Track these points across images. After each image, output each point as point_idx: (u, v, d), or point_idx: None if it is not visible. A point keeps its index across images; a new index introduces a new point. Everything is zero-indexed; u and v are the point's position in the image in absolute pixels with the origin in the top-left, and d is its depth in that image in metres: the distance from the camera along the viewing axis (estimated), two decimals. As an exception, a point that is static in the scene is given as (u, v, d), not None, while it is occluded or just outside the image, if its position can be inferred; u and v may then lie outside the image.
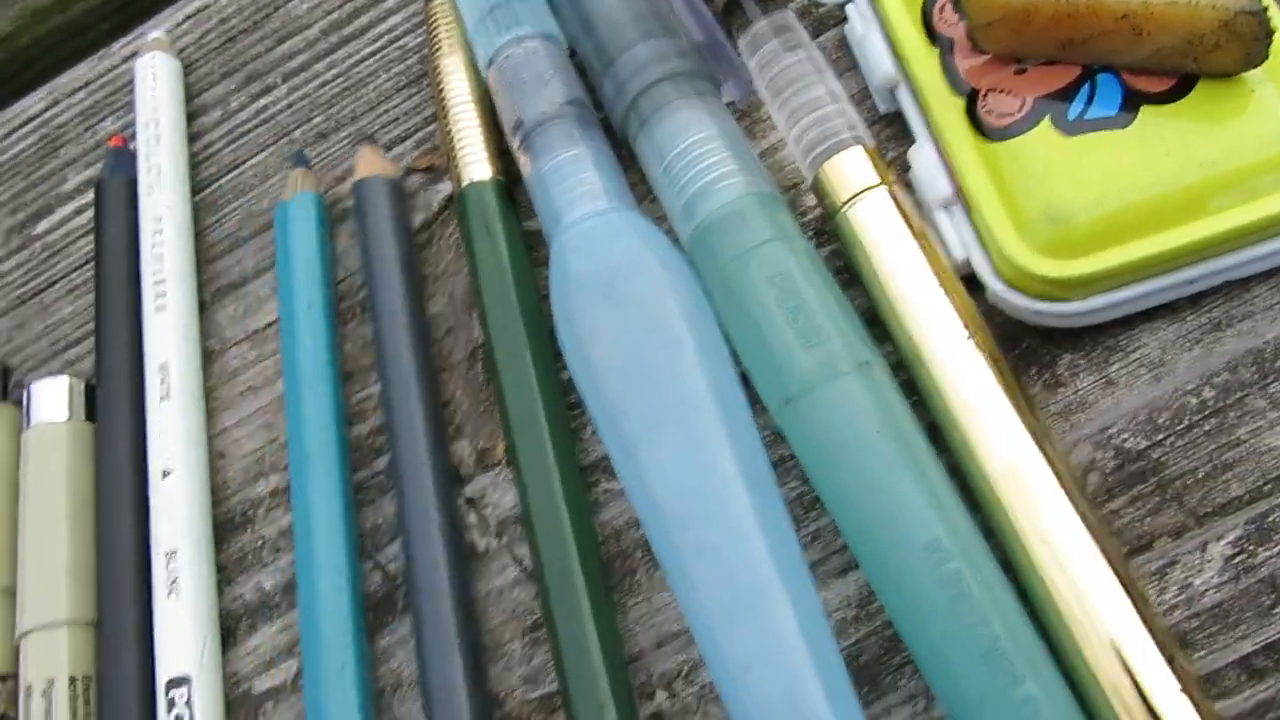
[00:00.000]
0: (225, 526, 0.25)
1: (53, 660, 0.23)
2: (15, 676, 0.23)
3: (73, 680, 0.22)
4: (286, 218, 0.25)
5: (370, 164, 0.25)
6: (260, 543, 0.24)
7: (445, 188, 0.27)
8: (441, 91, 0.26)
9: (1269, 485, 0.19)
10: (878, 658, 0.20)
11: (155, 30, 0.31)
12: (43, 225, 0.30)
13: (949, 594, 0.18)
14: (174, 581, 0.23)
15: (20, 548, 0.24)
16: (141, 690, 0.22)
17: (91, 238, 0.30)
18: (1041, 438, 0.19)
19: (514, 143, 0.25)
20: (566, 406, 0.23)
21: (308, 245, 0.25)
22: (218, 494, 0.25)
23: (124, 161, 0.29)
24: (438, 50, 0.27)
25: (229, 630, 0.23)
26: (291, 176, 0.26)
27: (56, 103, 0.32)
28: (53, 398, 0.25)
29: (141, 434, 0.25)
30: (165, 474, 0.24)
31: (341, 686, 0.21)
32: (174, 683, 0.22)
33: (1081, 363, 0.21)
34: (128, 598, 0.23)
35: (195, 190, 0.29)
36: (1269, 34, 0.19)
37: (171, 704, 0.21)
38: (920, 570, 0.18)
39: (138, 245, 0.27)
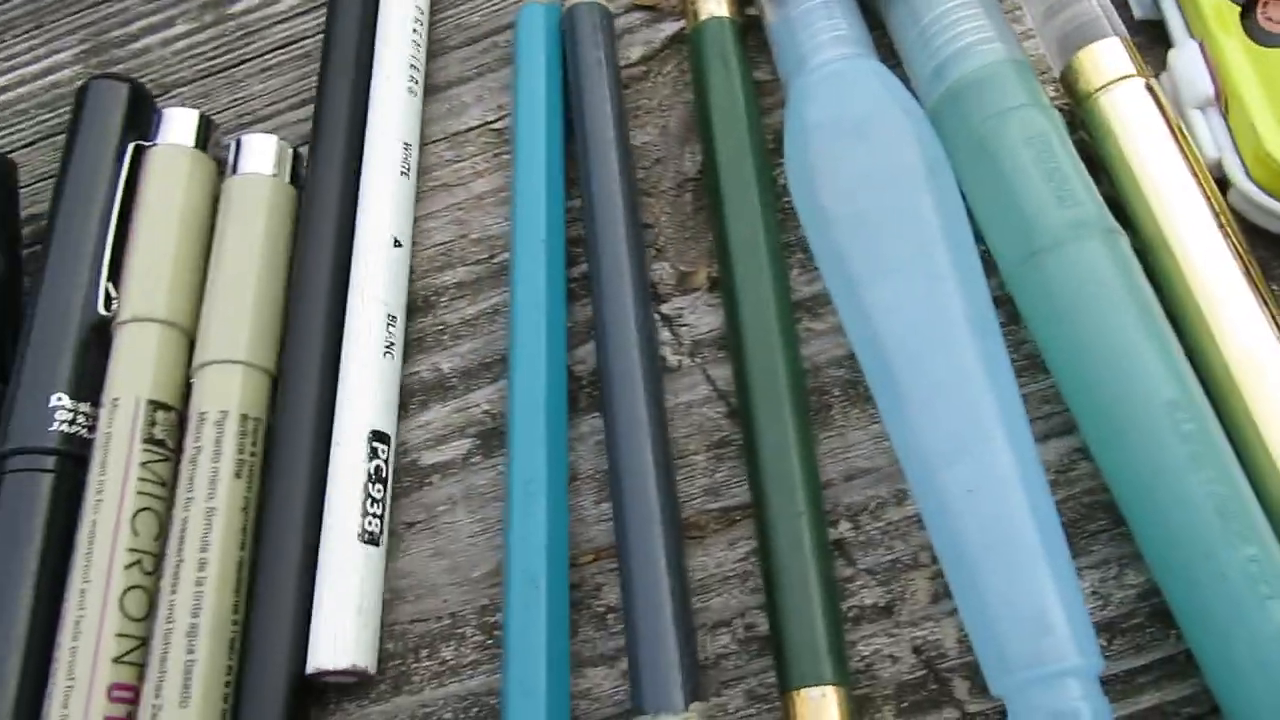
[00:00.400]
0: (407, 308, 0.25)
1: (228, 393, 0.22)
2: (179, 411, 0.23)
3: (244, 417, 0.22)
4: (532, 19, 0.26)
5: None
6: (441, 328, 0.24)
7: (669, 27, 0.27)
8: (686, -69, 0.26)
9: None
10: (1074, 522, 0.20)
11: None
12: (239, 5, 0.30)
13: (1189, 450, 0.18)
14: (390, 345, 0.23)
15: (209, 288, 0.24)
16: (315, 437, 0.22)
17: (288, 26, 0.30)
18: (1284, 330, 0.19)
19: (762, -13, 0.25)
20: (781, 243, 0.23)
21: (546, 50, 0.25)
22: (402, 277, 0.25)
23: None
24: (684, -106, 0.27)
25: (400, 404, 0.23)
26: None
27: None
28: (262, 152, 0.25)
29: (349, 204, 0.25)
30: (397, 243, 0.24)
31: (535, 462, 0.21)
32: (378, 435, 0.22)
33: (1312, 279, 0.21)
34: (316, 350, 0.23)
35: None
36: None
37: (373, 454, 0.21)
38: (1161, 426, 0.18)
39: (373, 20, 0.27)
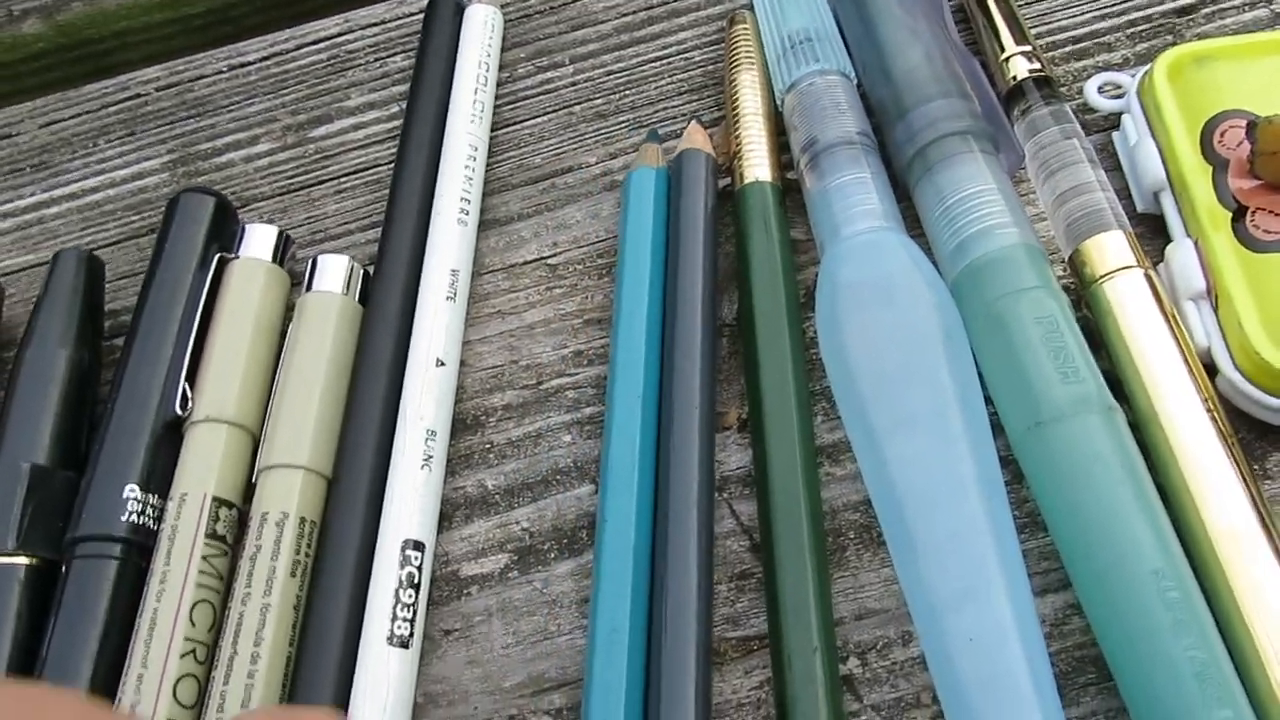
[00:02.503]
0: (456, 425, 0.27)
1: (289, 496, 0.24)
2: (240, 509, 0.25)
3: (302, 520, 0.24)
4: (638, 185, 0.28)
5: (695, 139, 0.28)
6: (488, 446, 0.26)
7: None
8: (735, 99, 0.29)
9: None
10: (1065, 674, 0.22)
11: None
12: (320, 130, 0.33)
13: (1171, 617, 0.19)
14: (429, 458, 0.24)
15: (277, 394, 0.26)
16: (362, 542, 0.24)
17: (364, 153, 0.32)
18: (1264, 510, 0.21)
19: (801, 159, 0.27)
20: (808, 391, 0.25)
21: (654, 212, 0.27)
22: (455, 395, 0.27)
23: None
24: (736, 66, 0.30)
25: (445, 515, 0.25)
26: (650, 149, 0.29)
27: (351, 31, 0.35)
28: (335, 271, 0.27)
29: (407, 324, 0.27)
30: (440, 363, 0.26)
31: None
32: (412, 544, 0.23)
33: (1291, 463, 0.23)
34: (368, 459, 0.25)
35: (476, 133, 0.32)
36: None
37: (406, 560, 0.23)
38: (1146, 593, 0.20)
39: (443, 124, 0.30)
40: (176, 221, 0.29)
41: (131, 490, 0.24)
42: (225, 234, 0.29)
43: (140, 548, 0.24)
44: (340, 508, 0.24)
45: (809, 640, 0.21)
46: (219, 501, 0.24)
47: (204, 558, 0.24)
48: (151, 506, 0.25)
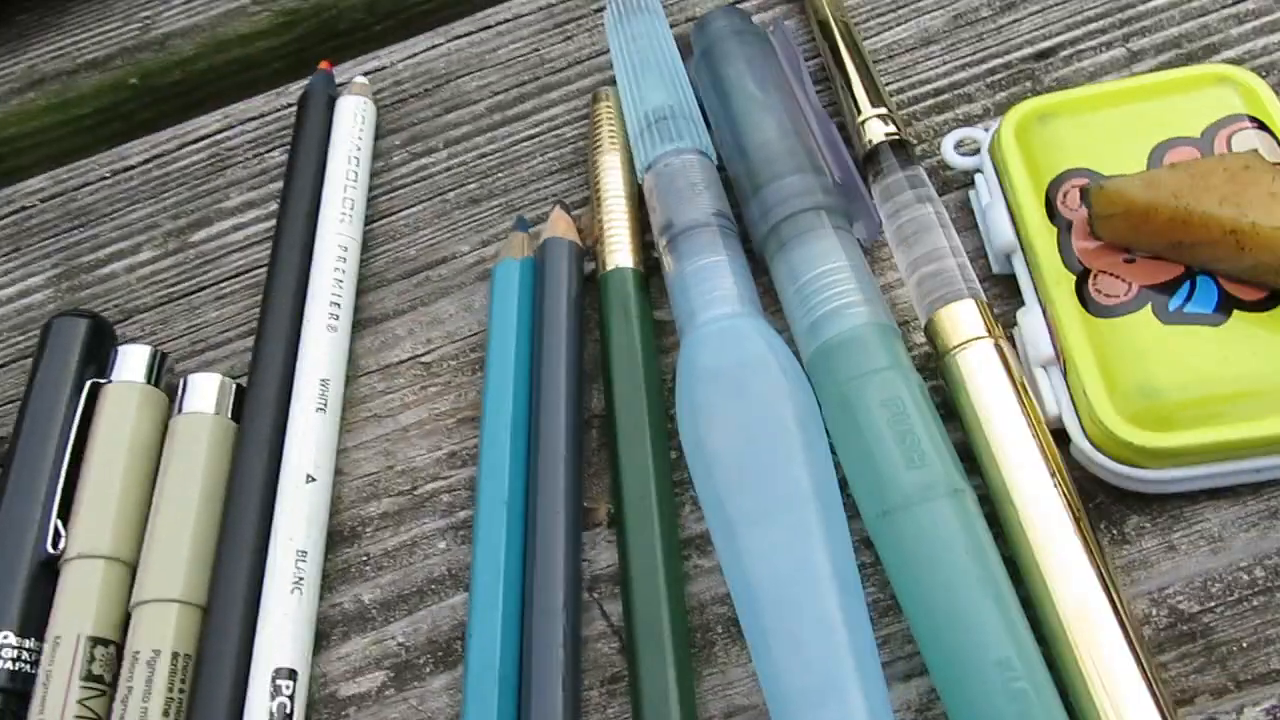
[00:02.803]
0: (333, 538, 0.27)
1: (162, 633, 0.24)
2: (118, 644, 0.25)
3: (175, 655, 0.24)
4: (503, 277, 0.28)
5: (558, 226, 0.28)
6: (365, 558, 0.26)
7: (585, 267, 0.29)
8: (598, 182, 0.29)
9: (1308, 665, 0.21)
10: (930, 762, 0.22)
11: (360, 75, 0.34)
12: (200, 234, 0.33)
13: (1015, 709, 0.19)
14: (300, 580, 0.24)
15: (151, 523, 0.26)
16: (236, 673, 0.24)
17: (243, 255, 0.32)
18: (1111, 584, 0.21)
19: (660, 241, 0.27)
20: (672, 483, 0.25)
21: (519, 307, 0.28)
22: (332, 506, 0.27)
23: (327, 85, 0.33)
24: (598, 146, 0.30)
25: (322, 634, 0.25)
26: (516, 239, 0.29)
27: (230, 126, 0.35)
28: (205, 391, 0.27)
29: (279, 438, 0.27)
30: (310, 479, 0.26)
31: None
32: (283, 673, 0.23)
33: (1148, 525, 0.23)
34: (241, 586, 0.25)
35: (351, 229, 0.32)
36: (1356, 270, 0.22)
37: (277, 691, 0.23)
38: (991, 683, 0.20)
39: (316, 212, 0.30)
40: (49, 346, 0.29)
41: (6, 637, 0.24)
42: (101, 355, 0.29)
43: (20, 695, 0.24)
44: (213, 639, 0.24)
45: (670, 749, 0.21)
46: (95, 640, 0.24)
47: (80, 701, 0.24)
48: (28, 651, 0.25)
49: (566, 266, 0.28)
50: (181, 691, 0.24)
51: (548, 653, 0.23)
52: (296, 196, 0.31)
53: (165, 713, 0.23)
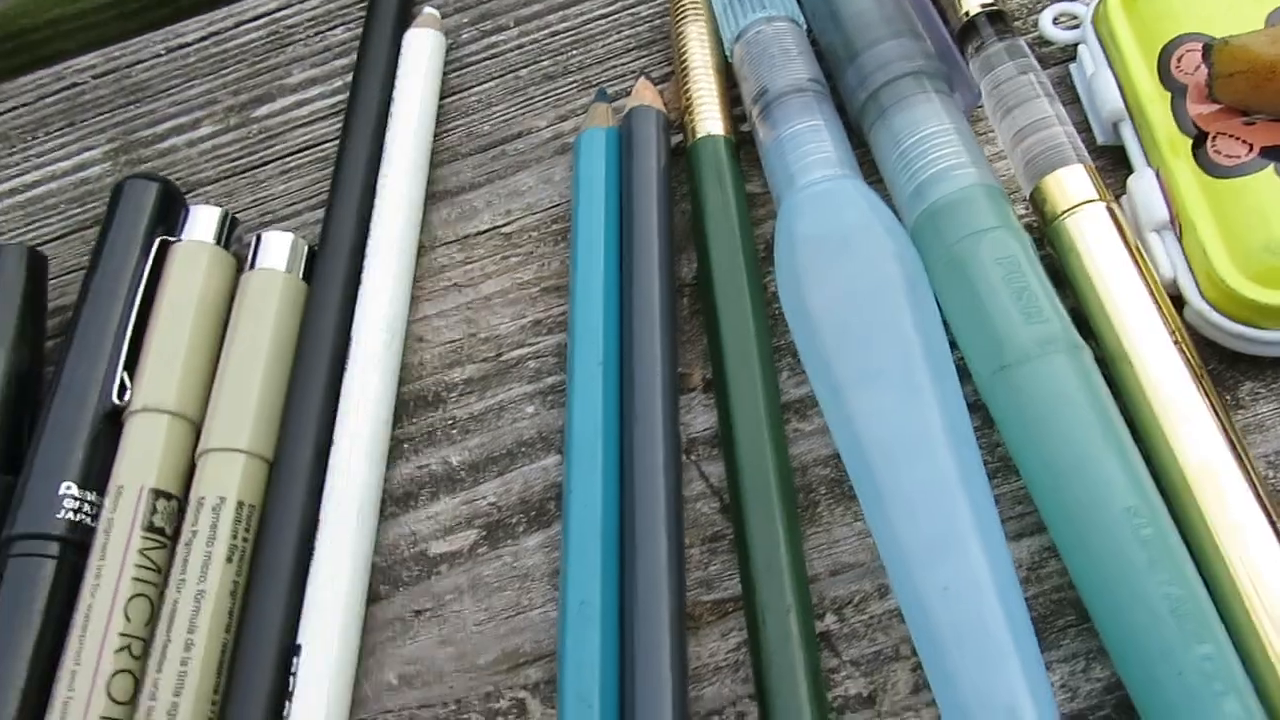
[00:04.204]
0: (417, 403, 0.26)
1: (228, 480, 0.24)
2: (180, 499, 0.24)
3: (240, 504, 0.23)
4: (588, 145, 0.27)
5: (645, 95, 0.27)
6: (450, 422, 0.26)
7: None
8: (683, 53, 0.29)
9: None
10: (1043, 618, 0.21)
11: (430, 6, 0.32)
12: (263, 110, 0.32)
13: (1146, 555, 0.19)
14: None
15: (219, 375, 0.25)
16: (302, 526, 0.23)
17: (308, 130, 0.32)
18: (1236, 440, 0.21)
19: (753, 110, 0.27)
20: (772, 347, 0.24)
21: (606, 174, 0.27)
22: (413, 373, 0.26)
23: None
24: (682, 18, 0.29)
25: (409, 495, 0.25)
26: (599, 109, 0.28)
27: (289, 5, 0.34)
28: (278, 249, 0.27)
29: (350, 301, 0.26)
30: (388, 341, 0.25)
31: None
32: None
33: (1262, 391, 0.23)
34: (309, 440, 0.24)
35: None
36: None
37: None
38: (1121, 531, 0.19)
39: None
40: (120, 210, 0.28)
41: (68, 488, 0.24)
42: (171, 220, 0.28)
43: (79, 546, 0.23)
44: (280, 491, 0.24)
45: (782, 599, 0.21)
46: (157, 493, 0.24)
47: (141, 551, 0.23)
48: (89, 503, 0.24)
49: (655, 134, 0.27)
50: (245, 540, 0.23)
51: (651, 508, 0.22)
52: (370, 69, 0.30)
53: (229, 559, 0.23)
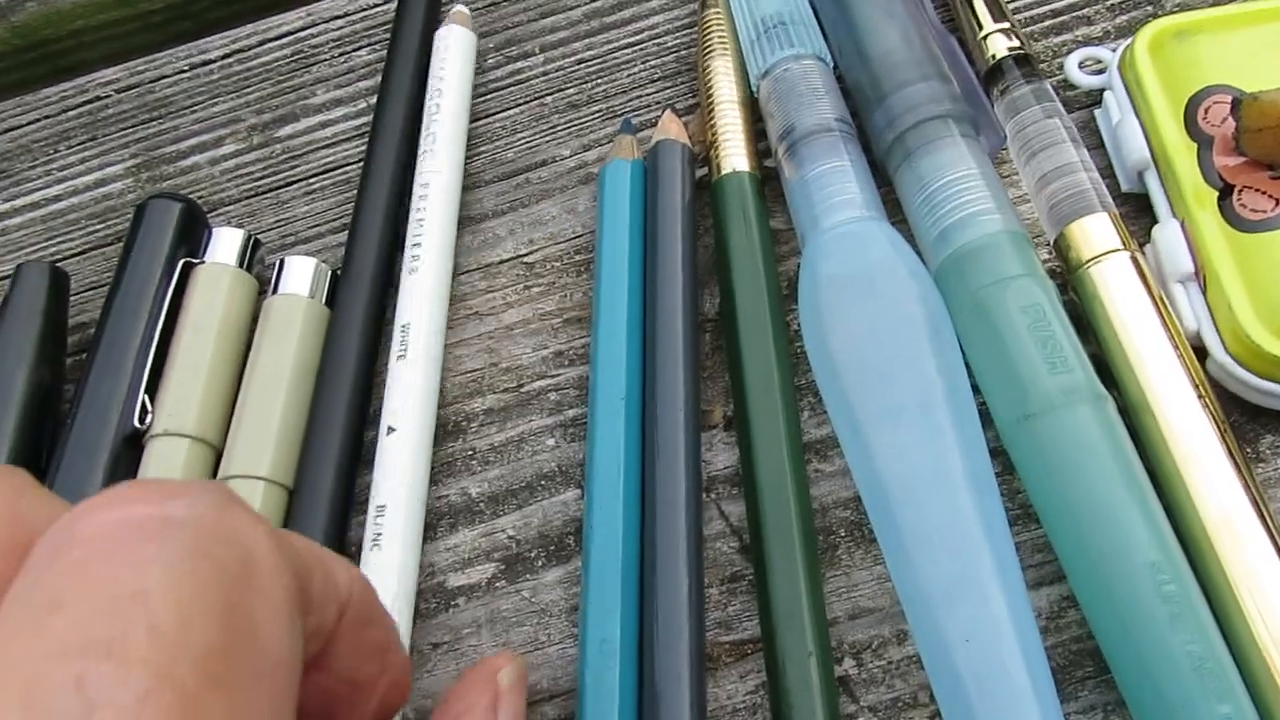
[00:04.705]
0: (436, 432, 0.26)
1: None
2: None
3: None
4: (614, 177, 0.27)
5: (670, 129, 0.28)
6: (470, 453, 0.26)
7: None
8: (710, 88, 0.29)
9: None
10: (1063, 668, 0.21)
11: (461, 4, 0.32)
12: (286, 129, 0.32)
13: (1168, 611, 0.19)
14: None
15: (240, 401, 0.25)
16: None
17: (332, 152, 0.32)
18: (1257, 495, 0.21)
19: (779, 148, 0.27)
20: (794, 386, 0.25)
21: (630, 207, 0.27)
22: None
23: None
24: (709, 52, 0.29)
25: (429, 525, 0.25)
26: (625, 141, 0.28)
27: (314, 25, 0.34)
28: (301, 274, 0.27)
29: (374, 326, 0.26)
30: (402, 356, 0.26)
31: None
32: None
33: (1283, 445, 0.23)
34: (330, 467, 0.24)
35: (447, 128, 0.31)
36: None
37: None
38: (1143, 586, 0.20)
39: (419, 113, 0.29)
40: (143, 229, 0.28)
41: None
42: (194, 240, 0.28)
43: None
44: (299, 520, 0.24)
45: (803, 644, 0.21)
46: None
47: None
48: None
49: (680, 168, 0.27)
50: None
51: (672, 547, 0.22)
52: (395, 88, 0.30)
53: None
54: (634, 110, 0.31)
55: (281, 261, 0.27)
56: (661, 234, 0.26)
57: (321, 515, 0.24)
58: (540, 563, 0.24)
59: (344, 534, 0.24)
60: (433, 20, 0.32)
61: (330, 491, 0.24)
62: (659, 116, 0.29)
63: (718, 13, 0.30)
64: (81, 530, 0.12)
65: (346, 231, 0.30)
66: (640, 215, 0.27)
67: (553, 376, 0.26)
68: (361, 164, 0.31)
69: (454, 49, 0.30)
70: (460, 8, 0.32)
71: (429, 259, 0.27)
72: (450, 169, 0.29)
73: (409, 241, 0.27)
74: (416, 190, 0.28)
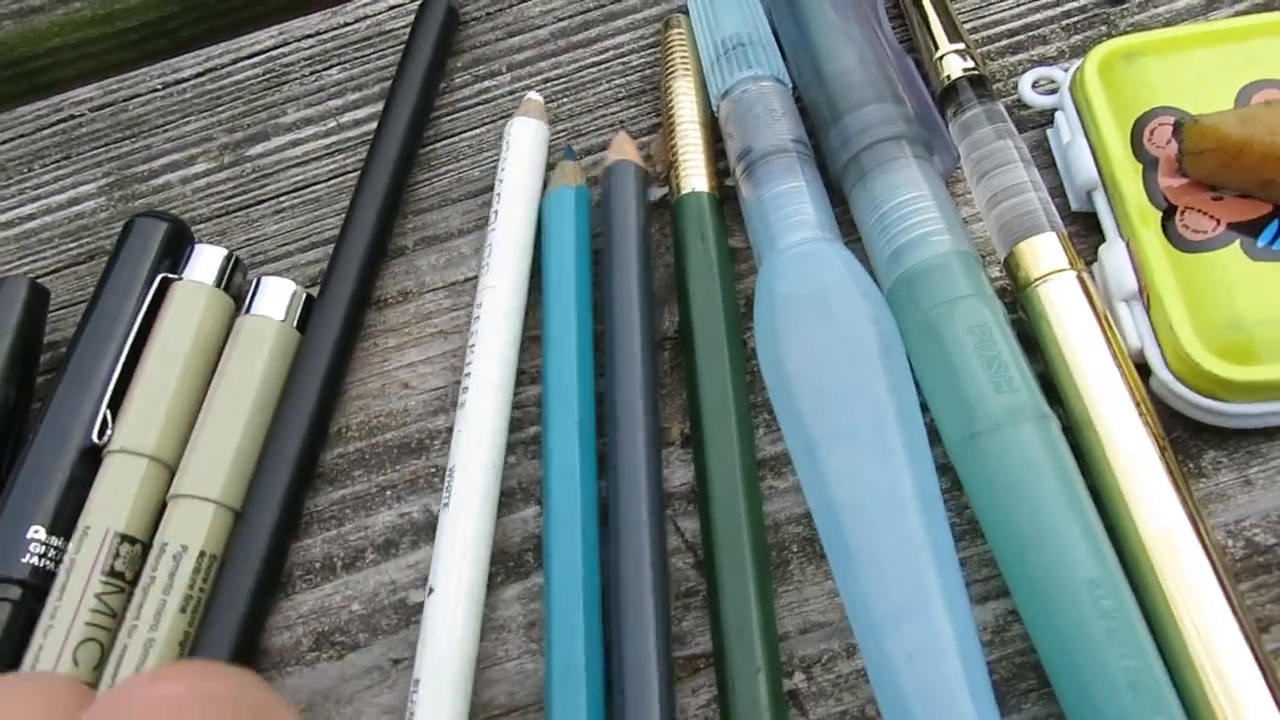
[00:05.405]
0: (401, 450, 0.26)
1: (193, 529, 0.24)
2: (145, 543, 0.24)
3: (202, 554, 0.24)
4: (558, 204, 0.28)
5: (624, 150, 0.28)
6: (433, 470, 0.26)
7: (653, 192, 0.29)
8: (670, 108, 0.29)
9: (1386, 597, 0.21)
10: (1006, 680, 0.22)
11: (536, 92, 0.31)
12: (258, 148, 0.33)
13: (1105, 626, 0.20)
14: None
15: (200, 420, 0.26)
16: (260, 579, 0.24)
17: (301, 170, 0.32)
18: (1194, 512, 0.21)
19: (737, 169, 0.27)
20: (749, 404, 0.25)
21: (576, 231, 0.27)
22: (397, 419, 0.27)
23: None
24: (671, 72, 0.30)
25: (391, 542, 0.25)
26: (568, 167, 0.29)
27: (285, 44, 0.35)
28: (275, 295, 0.27)
29: (341, 355, 0.27)
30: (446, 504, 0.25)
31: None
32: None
33: (1224, 460, 0.23)
34: (278, 493, 0.25)
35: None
36: None
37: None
38: (1082, 602, 0.20)
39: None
40: (127, 247, 0.28)
41: (36, 532, 0.24)
42: (178, 256, 0.29)
43: (40, 591, 0.24)
44: (241, 545, 0.24)
45: (752, 660, 0.21)
46: (122, 537, 0.24)
47: (98, 595, 0.23)
48: (54, 548, 0.24)
49: (635, 189, 0.28)
50: (202, 590, 0.24)
51: (636, 564, 0.23)
52: (397, 112, 0.30)
53: (183, 609, 0.23)
54: (598, 130, 0.31)
55: (258, 281, 0.27)
56: (616, 255, 0.26)
57: (264, 539, 0.24)
58: (499, 578, 0.24)
59: (283, 559, 0.24)
60: (449, 34, 0.32)
61: (274, 519, 0.24)
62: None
63: (680, 33, 0.31)
64: (131, 702, 0.13)
65: (314, 250, 0.30)
66: (586, 240, 0.27)
67: (514, 394, 0.27)
68: (331, 183, 0.31)
69: (522, 145, 0.29)
70: (533, 96, 0.31)
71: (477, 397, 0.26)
72: (511, 290, 0.27)
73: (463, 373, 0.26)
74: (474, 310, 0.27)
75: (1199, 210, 0.24)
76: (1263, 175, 0.23)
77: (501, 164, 0.29)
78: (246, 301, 0.27)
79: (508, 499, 0.25)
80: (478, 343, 0.26)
